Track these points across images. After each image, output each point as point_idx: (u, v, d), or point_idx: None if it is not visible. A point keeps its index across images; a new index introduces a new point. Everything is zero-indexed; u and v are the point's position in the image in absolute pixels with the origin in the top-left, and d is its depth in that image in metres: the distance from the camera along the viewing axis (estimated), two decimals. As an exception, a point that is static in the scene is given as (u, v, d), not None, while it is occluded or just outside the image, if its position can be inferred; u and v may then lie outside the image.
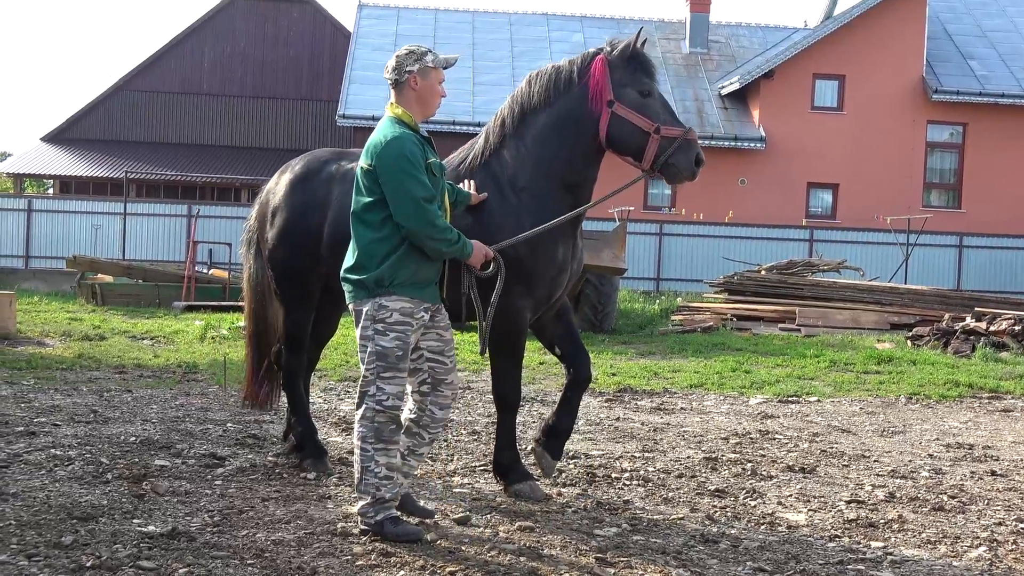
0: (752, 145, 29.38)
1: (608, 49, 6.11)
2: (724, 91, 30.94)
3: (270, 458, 6.87)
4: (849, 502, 6.31)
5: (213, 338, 14.73)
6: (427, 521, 5.41)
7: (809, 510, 6.11)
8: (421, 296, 5.16)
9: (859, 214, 29.03)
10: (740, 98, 30.85)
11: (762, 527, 5.70)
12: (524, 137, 6.11)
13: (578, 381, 6.33)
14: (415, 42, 28.37)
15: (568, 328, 6.40)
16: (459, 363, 12.55)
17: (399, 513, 5.19)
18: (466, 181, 6.04)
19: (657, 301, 22.69)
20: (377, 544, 4.96)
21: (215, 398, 9.54)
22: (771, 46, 33.84)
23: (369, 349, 5.10)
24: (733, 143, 29.22)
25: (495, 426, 6.88)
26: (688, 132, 5.93)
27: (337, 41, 40.23)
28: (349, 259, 5.21)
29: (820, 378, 12.50)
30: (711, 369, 12.85)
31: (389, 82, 5.28)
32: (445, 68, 5.34)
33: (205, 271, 23.35)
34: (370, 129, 30.71)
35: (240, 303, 21.30)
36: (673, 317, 19.27)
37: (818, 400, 10.82)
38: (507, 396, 6.14)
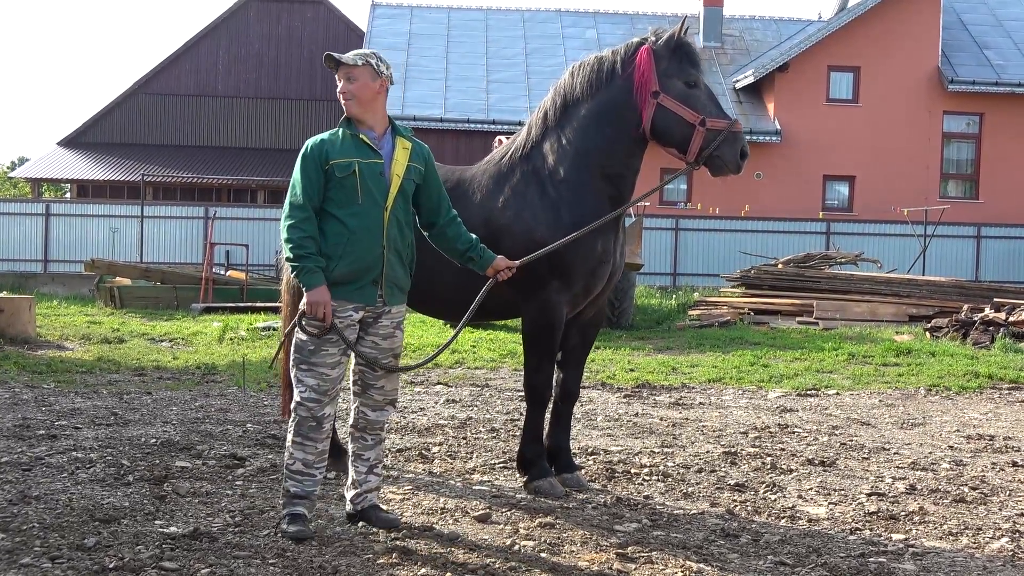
0: (767, 138, 29.29)
1: (653, 39, 6.07)
2: (739, 85, 30.85)
3: (290, 458, 6.88)
4: (870, 495, 6.29)
5: (231, 339, 14.77)
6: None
7: (829, 503, 6.10)
8: (347, 296, 5.06)
9: (876, 206, 28.92)
10: (755, 92, 30.76)
11: (783, 521, 5.68)
12: (565, 129, 6.10)
13: (567, 393, 6.35)
14: (428, 40, 28.16)
15: (584, 339, 6.41)
16: (477, 360, 12.57)
17: (304, 511, 5.10)
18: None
19: (674, 296, 22.67)
20: (398, 543, 4.97)
21: (234, 399, 9.56)
22: (785, 39, 33.73)
23: (293, 341, 5.14)
24: (748, 136, 29.03)
25: (515, 423, 6.87)
26: (734, 124, 5.89)
27: (351, 41, 40.28)
28: None
29: (839, 371, 12.46)
30: (729, 363, 12.82)
31: None
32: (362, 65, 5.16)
33: (223, 273, 23.42)
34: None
35: (258, 304, 21.15)
36: (690, 312, 19.26)
37: (837, 393, 10.79)
38: (538, 390, 6.13)
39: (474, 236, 5.53)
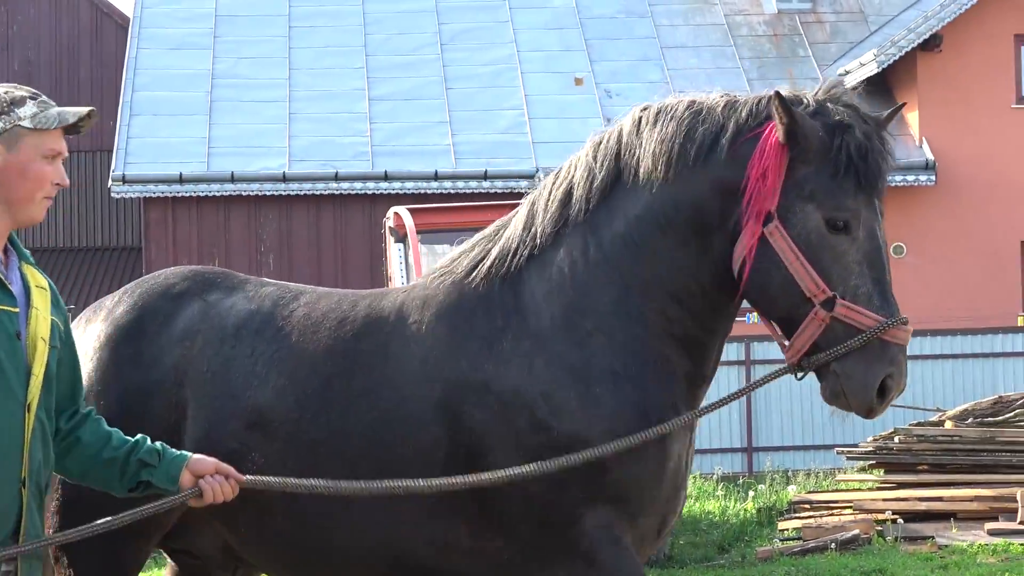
0: (911, 179, 29.42)
1: (802, 103, 5.95)
2: (850, 78, 31.13)
3: None
4: None
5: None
6: None
7: None
8: None
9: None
10: (880, 90, 30.97)
11: None
12: (601, 232, 6.08)
13: None
14: (249, 28, 28.34)
15: None
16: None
17: None
18: None
19: (751, 493, 22.63)
20: None
21: None
22: (928, -8, 34.25)
23: None
24: (875, 178, 29.34)
25: None
26: (890, 326, 5.71)
27: (105, 38, 40.48)
28: None
29: (1072, 629, 12.43)
30: (861, 626, 12.78)
31: None
32: (75, 129, 5.07)
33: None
34: (173, 199, 29.83)
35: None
36: (782, 524, 19.20)
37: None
38: None
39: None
